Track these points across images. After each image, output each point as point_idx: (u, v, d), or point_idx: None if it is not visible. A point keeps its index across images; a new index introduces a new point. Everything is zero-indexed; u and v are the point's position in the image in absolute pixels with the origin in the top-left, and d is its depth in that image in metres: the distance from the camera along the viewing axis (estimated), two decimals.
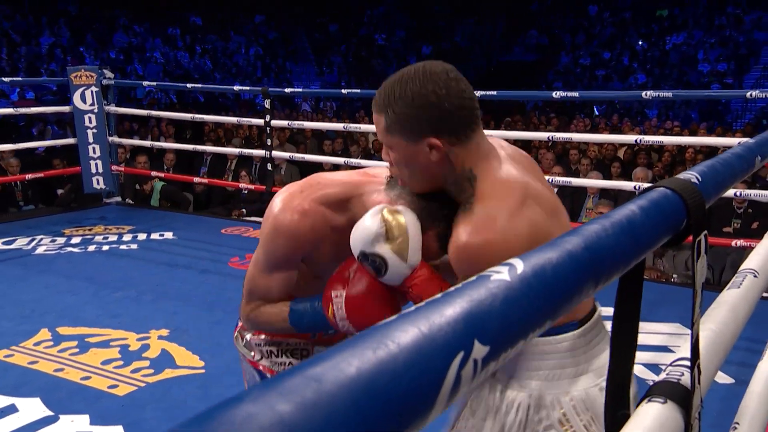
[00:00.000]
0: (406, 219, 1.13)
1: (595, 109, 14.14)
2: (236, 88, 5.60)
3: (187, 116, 5.86)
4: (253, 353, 1.40)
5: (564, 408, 1.12)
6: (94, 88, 5.23)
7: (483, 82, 13.85)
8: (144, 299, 3.45)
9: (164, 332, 2.98)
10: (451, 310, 0.35)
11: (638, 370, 2.46)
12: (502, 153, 1.14)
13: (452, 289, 0.39)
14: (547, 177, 4.30)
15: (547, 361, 1.12)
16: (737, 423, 1.14)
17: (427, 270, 1.16)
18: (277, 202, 1.24)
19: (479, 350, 0.35)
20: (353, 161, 5.36)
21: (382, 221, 1.12)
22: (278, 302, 1.30)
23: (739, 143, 1.42)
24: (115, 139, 5.56)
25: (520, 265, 0.43)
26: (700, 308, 0.74)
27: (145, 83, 6.29)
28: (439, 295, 0.37)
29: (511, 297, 0.39)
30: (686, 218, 0.71)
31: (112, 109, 5.42)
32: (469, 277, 0.42)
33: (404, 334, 0.32)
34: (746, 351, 2.62)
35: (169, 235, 4.79)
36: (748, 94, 3.49)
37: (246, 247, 4.50)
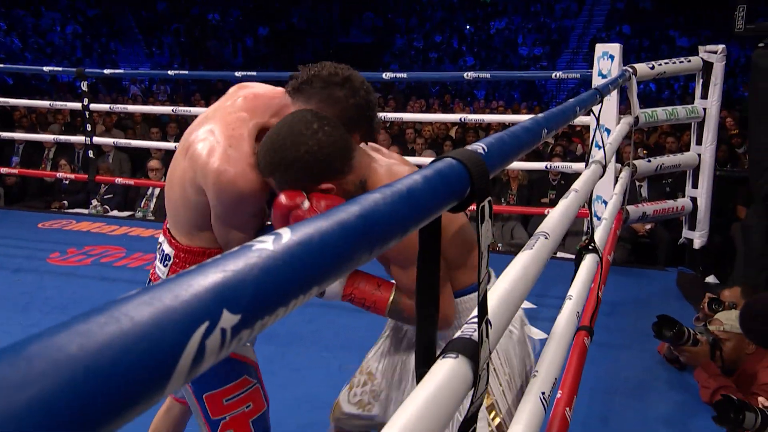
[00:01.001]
0: None
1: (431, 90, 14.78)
2: (47, 69, 5.09)
3: None
4: None
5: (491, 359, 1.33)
6: None
7: None
8: None
9: None
10: (200, 281, 0.35)
11: None
12: (378, 155, 1.34)
13: (209, 260, 0.38)
14: None
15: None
16: (536, 371, 1.27)
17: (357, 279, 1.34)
18: (219, 169, 1.25)
19: (228, 319, 0.35)
20: None
21: None
22: None
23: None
24: None
25: (287, 234, 0.44)
26: (487, 268, 0.80)
27: None
28: (192, 267, 0.37)
29: (271, 266, 0.40)
30: (470, 186, 0.77)
31: None
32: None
33: (141, 307, 0.31)
34: (556, 308, 2.92)
35: None
36: (553, 75, 3.84)
37: (68, 241, 4.14)
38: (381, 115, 4.67)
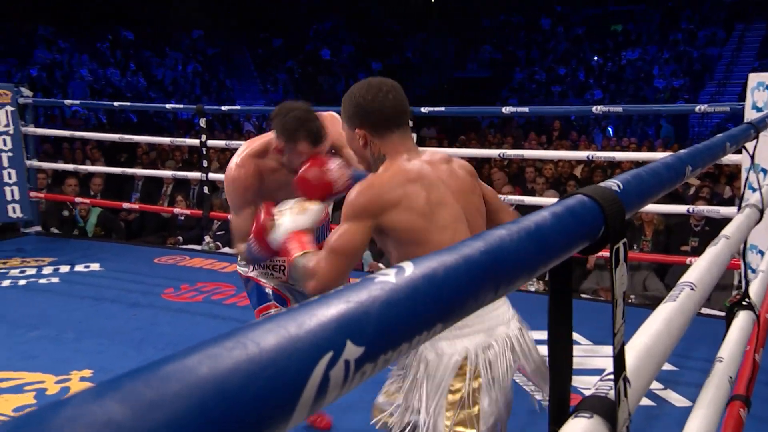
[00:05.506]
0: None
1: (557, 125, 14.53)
2: (169, 106, 5.55)
3: (115, 137, 5.76)
4: (248, 268, 2.20)
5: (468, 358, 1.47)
6: (9, 108, 5.09)
7: (435, 99, 14.06)
8: (64, 338, 3.34)
9: (87, 373, 2.89)
10: (324, 311, 0.36)
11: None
12: (423, 156, 1.62)
13: (332, 291, 0.40)
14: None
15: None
16: None
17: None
18: (229, 166, 2.05)
19: (352, 351, 0.36)
20: None
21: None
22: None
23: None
24: (34, 162, 5.41)
25: (409, 268, 0.45)
26: (623, 318, 0.76)
27: (68, 102, 6.16)
28: (316, 297, 0.38)
29: (393, 299, 0.41)
30: (604, 226, 0.74)
31: (30, 130, 5.28)
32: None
33: (268, 334, 0.33)
34: (702, 372, 2.71)
35: (95, 266, 4.67)
36: (697, 108, 3.65)
37: (182, 277, 4.41)
38: (499, 152, 4.65)
